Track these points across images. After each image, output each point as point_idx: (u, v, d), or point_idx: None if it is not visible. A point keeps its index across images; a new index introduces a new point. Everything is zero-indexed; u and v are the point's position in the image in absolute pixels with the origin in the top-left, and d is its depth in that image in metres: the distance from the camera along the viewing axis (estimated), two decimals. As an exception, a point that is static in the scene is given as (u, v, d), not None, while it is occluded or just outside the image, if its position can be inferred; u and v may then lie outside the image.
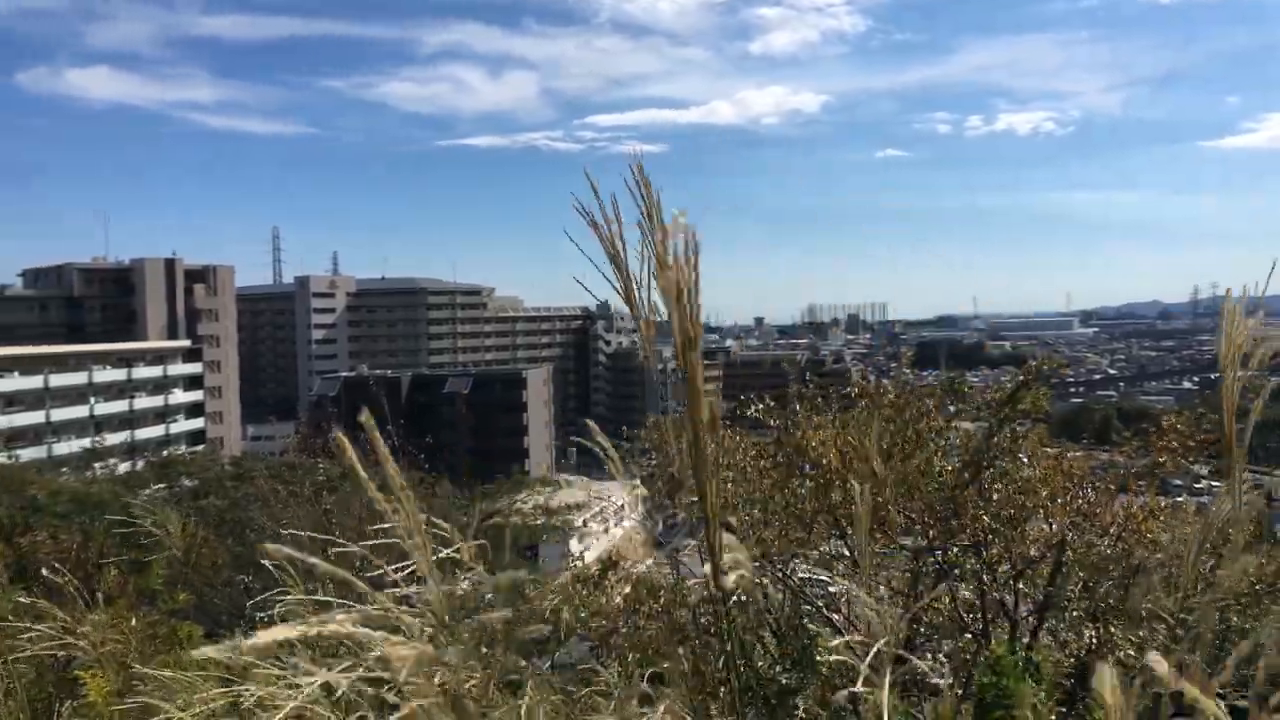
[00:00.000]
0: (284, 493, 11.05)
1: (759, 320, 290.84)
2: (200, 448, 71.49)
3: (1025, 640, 7.01)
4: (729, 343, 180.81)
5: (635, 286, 2.17)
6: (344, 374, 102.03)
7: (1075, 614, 7.34)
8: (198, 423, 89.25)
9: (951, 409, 8.35)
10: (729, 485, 7.96)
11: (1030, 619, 7.50)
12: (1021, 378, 7.95)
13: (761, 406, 8.52)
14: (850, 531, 8.37)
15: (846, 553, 8.16)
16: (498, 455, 76.66)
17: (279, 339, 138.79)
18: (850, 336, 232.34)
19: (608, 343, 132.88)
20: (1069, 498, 7.60)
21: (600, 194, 2.32)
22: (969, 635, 7.52)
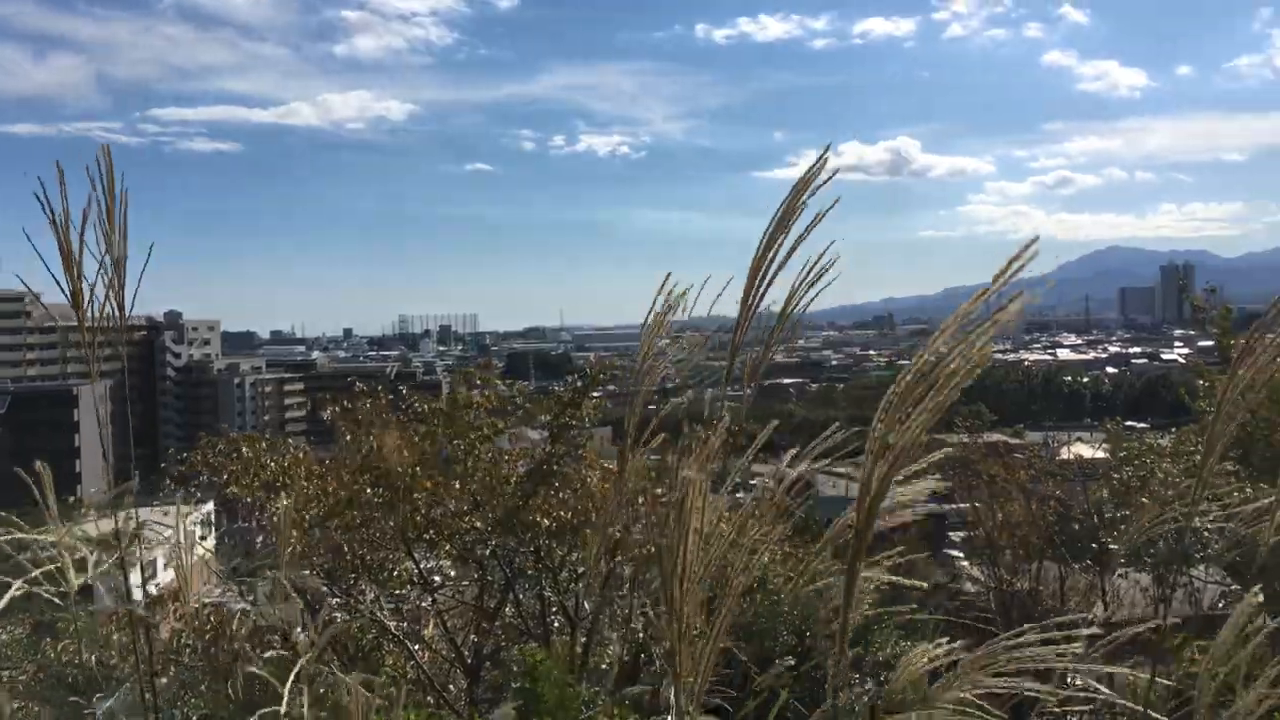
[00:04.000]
0: None
1: (348, 331, 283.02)
2: None
3: (584, 641, 7.33)
4: (315, 354, 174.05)
5: (88, 287, 1.92)
6: None
7: (626, 611, 7.75)
8: None
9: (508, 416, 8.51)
10: (289, 502, 7.55)
11: (585, 621, 7.83)
12: (578, 385, 8.29)
13: (335, 410, 8.21)
14: (422, 544, 8.29)
15: (413, 567, 8.07)
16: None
17: None
18: (442, 348, 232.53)
19: (177, 355, 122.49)
20: (625, 500, 8.01)
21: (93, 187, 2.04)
22: (533, 641, 7.71)
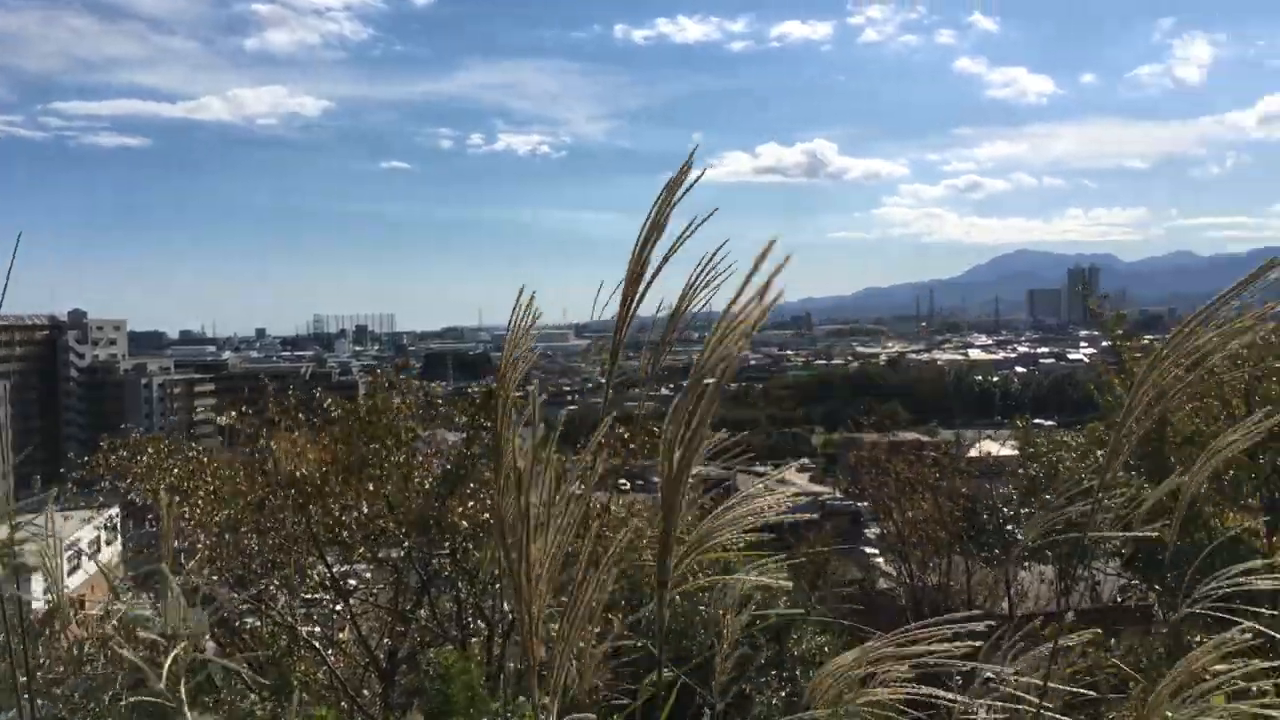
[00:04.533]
0: None
1: (261, 331, 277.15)
2: None
3: (501, 642, 7.29)
4: (227, 354, 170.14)
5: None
6: None
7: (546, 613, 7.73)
8: None
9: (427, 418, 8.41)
10: (198, 506, 7.37)
11: (504, 623, 7.78)
12: (494, 386, 8.19)
13: (234, 415, 8.01)
14: (333, 547, 8.15)
15: (326, 570, 7.94)
16: (-63, 488, 64.87)
17: None
18: (359, 348, 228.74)
19: (81, 355, 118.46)
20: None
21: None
22: (450, 644, 7.65)
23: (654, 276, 1.72)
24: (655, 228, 1.70)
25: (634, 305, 1.74)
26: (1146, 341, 9.78)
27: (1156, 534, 2.34)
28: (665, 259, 1.81)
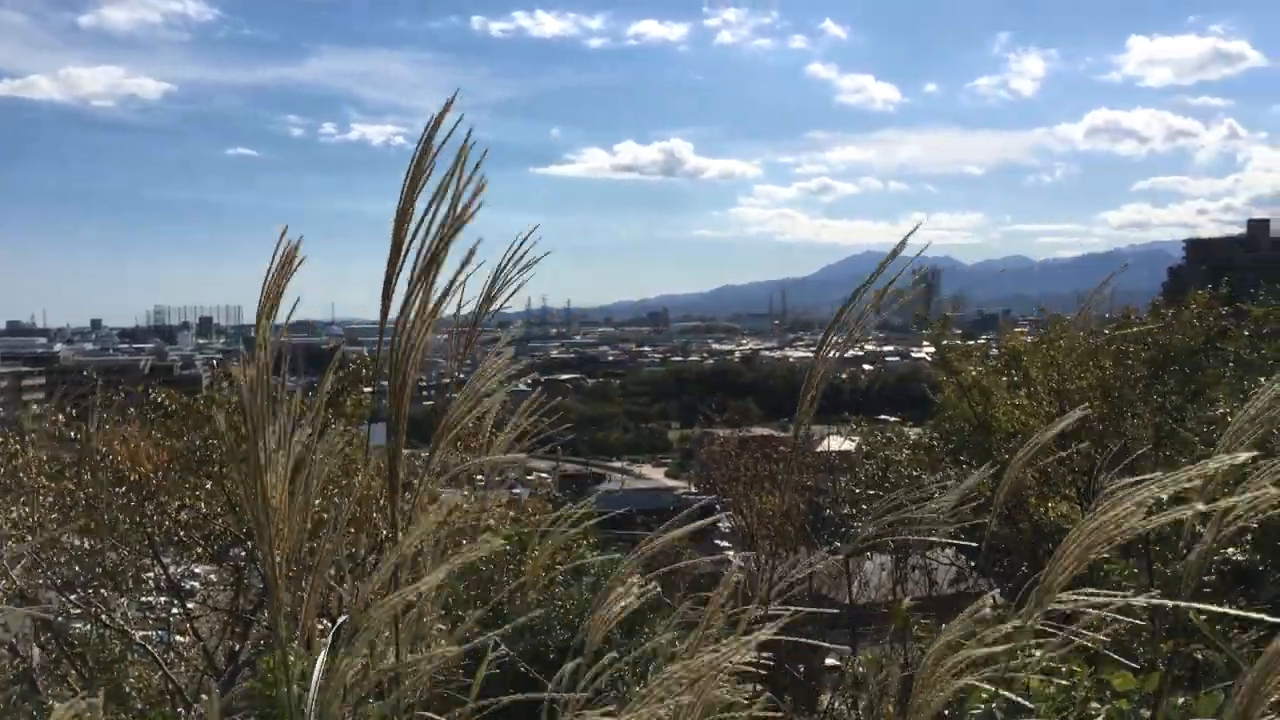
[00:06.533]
0: None
1: (96, 322, 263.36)
2: None
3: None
4: (59, 346, 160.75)
5: None
6: None
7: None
8: None
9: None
10: (13, 509, 6.98)
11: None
12: (342, 380, 8.05)
13: (60, 418, 7.64)
14: (168, 549, 7.86)
15: (160, 571, 7.66)
16: None
17: None
18: (203, 340, 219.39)
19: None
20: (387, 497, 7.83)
21: None
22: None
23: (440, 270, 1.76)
24: (404, 215, 1.73)
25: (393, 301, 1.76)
26: (969, 343, 10.45)
27: (975, 517, 2.48)
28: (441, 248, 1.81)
